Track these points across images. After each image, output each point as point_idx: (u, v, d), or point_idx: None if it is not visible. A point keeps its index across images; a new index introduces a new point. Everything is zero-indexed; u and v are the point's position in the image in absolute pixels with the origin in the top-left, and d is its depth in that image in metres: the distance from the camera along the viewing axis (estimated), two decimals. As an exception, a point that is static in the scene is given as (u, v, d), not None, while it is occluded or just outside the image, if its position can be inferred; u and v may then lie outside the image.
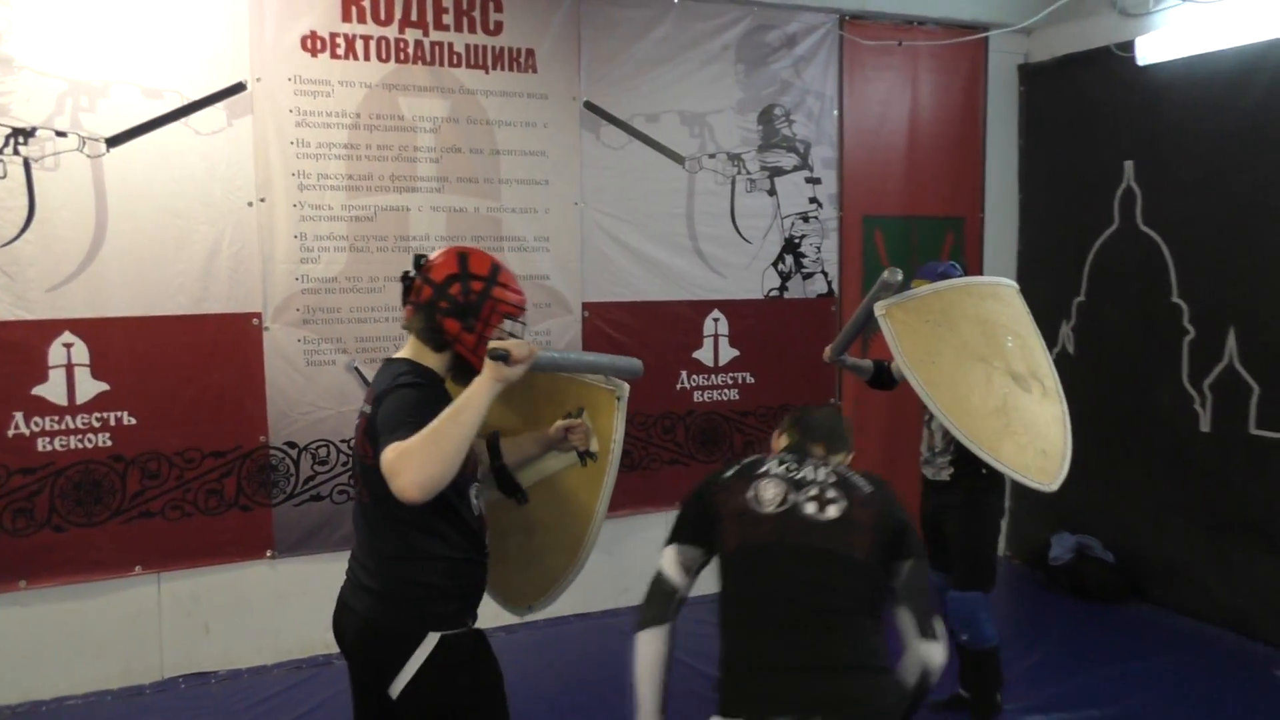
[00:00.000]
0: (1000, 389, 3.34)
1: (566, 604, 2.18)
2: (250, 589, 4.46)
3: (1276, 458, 4.55)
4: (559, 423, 2.54)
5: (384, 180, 4.54)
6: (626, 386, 2.53)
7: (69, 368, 4.10)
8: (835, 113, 5.41)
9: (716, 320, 5.22)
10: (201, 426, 4.31)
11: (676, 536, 2.24)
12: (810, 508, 2.12)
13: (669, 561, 2.21)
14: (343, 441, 4.54)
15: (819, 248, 5.43)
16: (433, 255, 2.37)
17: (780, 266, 5.36)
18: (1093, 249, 5.38)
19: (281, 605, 4.50)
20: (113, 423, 4.17)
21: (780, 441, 2.47)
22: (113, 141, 4.10)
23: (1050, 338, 5.56)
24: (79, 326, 4.10)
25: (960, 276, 3.77)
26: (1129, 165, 5.14)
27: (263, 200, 4.34)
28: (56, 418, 4.08)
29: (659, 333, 5.08)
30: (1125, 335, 5.24)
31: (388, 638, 2.22)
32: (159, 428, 4.24)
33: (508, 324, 2.34)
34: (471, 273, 2.28)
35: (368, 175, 4.50)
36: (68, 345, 4.09)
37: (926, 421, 3.74)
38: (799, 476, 2.20)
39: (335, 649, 4.50)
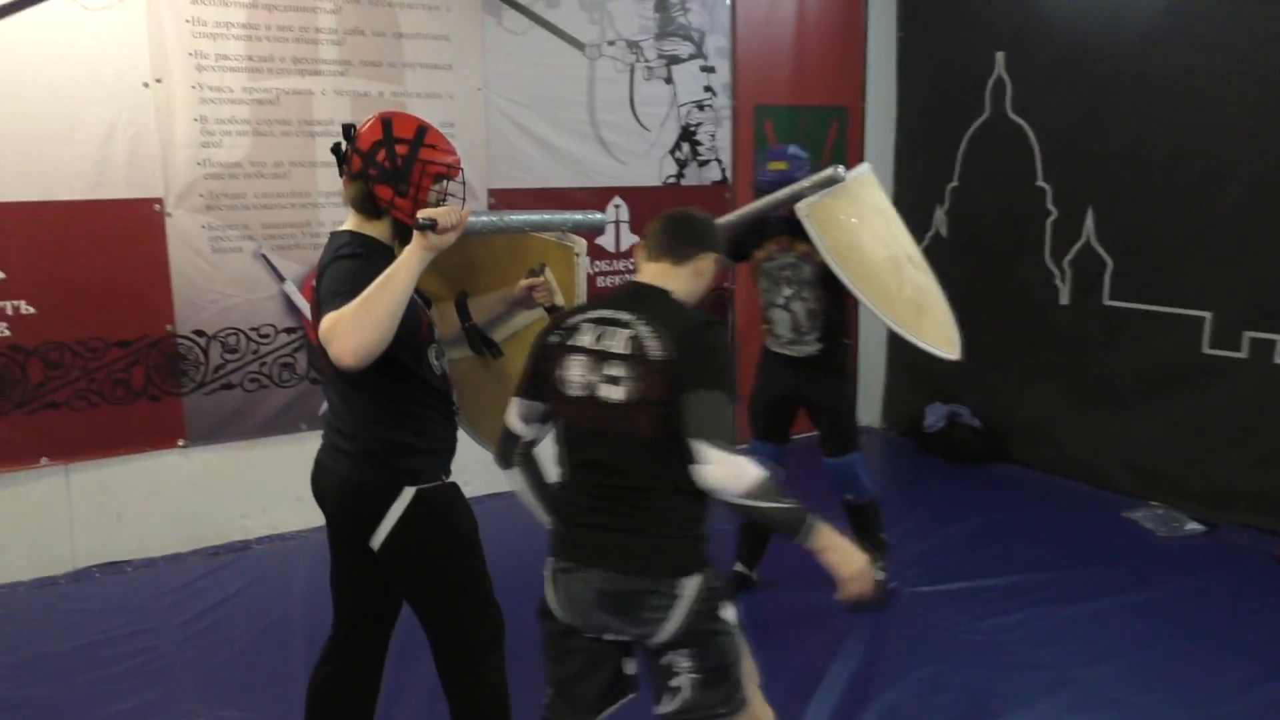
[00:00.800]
0: (905, 274, 3.60)
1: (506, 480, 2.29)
2: (162, 478, 4.44)
3: (1126, 325, 5.05)
4: (522, 281, 2.61)
5: (285, 63, 4.44)
6: (582, 242, 2.62)
7: (-40, 255, 3.94)
8: (728, 2, 5.54)
9: (618, 207, 5.36)
10: (105, 315, 4.22)
11: (518, 389, 2.24)
12: (603, 390, 2.05)
13: (511, 413, 2.24)
14: (252, 329, 4.51)
15: (714, 135, 5.61)
16: (360, 124, 2.35)
17: (677, 154, 5.52)
18: (965, 137, 5.74)
19: (195, 493, 4.50)
20: (10, 312, 4.04)
21: (638, 255, 2.31)
22: (-5, 14, 3.89)
23: (925, 222, 5.98)
24: (-32, 212, 3.93)
25: (800, 160, 3.85)
26: (1000, 56, 5.48)
27: (159, 81, 4.20)
28: (-50, 307, 3.94)
29: (562, 219, 5.17)
30: (994, 217, 5.64)
31: (366, 494, 2.31)
32: (60, 317, 4.13)
33: (448, 185, 2.36)
34: (396, 136, 2.28)
35: (268, 57, 4.40)
36: (-43, 231, 3.92)
37: (784, 304, 3.85)
38: (601, 347, 2.08)
39: (251, 535, 4.62)
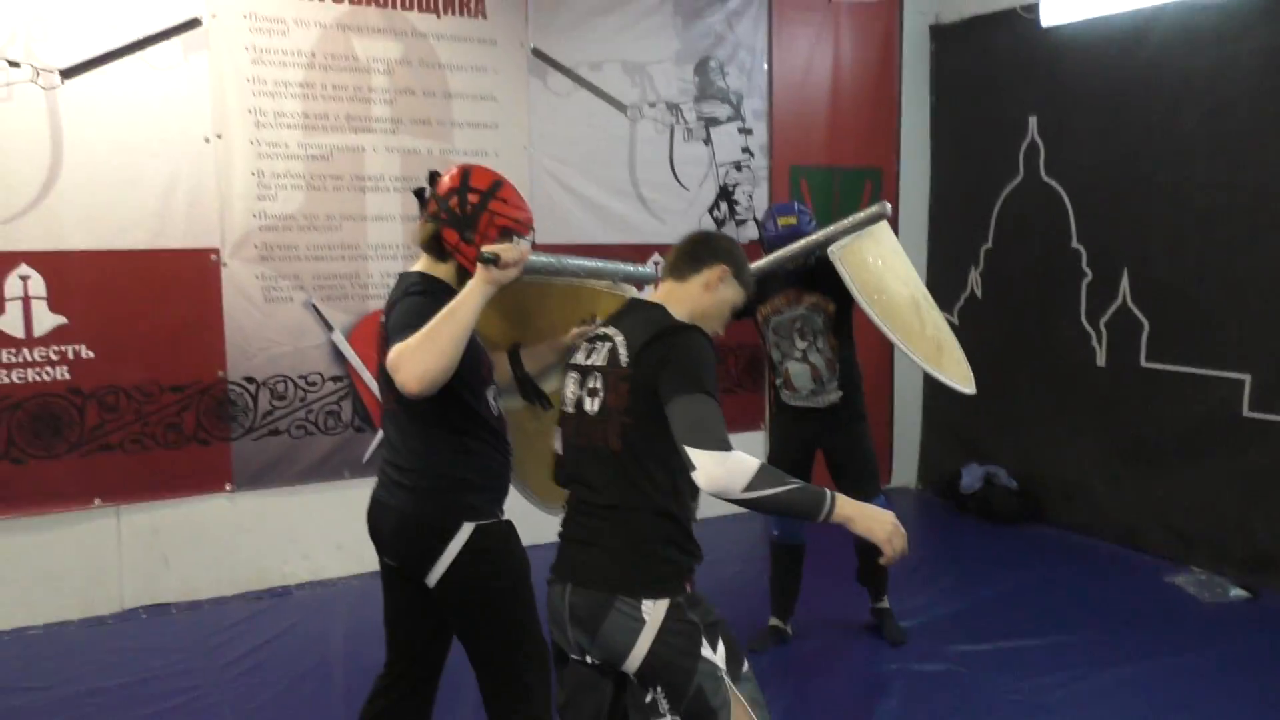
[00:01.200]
0: (925, 313, 3.68)
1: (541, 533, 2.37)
2: (209, 522, 4.52)
3: (1163, 386, 5.06)
4: (574, 330, 2.68)
5: (339, 120, 4.62)
6: (634, 290, 2.71)
7: (25, 300, 4.09)
8: (765, 66, 5.70)
9: (657, 264, 5.44)
10: (160, 361, 4.35)
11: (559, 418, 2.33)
12: (586, 403, 2.12)
13: (554, 436, 2.32)
14: (300, 377, 4.63)
15: (750, 195, 5.72)
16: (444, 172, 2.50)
17: (715, 213, 5.63)
18: (999, 199, 5.82)
19: (240, 537, 4.58)
20: (70, 356, 4.18)
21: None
22: (67, 73, 4.09)
23: (959, 283, 6.05)
24: (35, 259, 4.09)
25: (807, 214, 3.98)
26: (1033, 120, 5.58)
27: (219, 136, 4.38)
28: (14, 350, 4.07)
29: (602, 275, 5.29)
30: (1029, 279, 5.69)
31: (426, 529, 2.36)
32: (117, 361, 4.27)
33: (518, 241, 2.42)
34: (471, 186, 2.39)
35: (324, 114, 4.58)
36: (24, 278, 4.08)
37: (801, 357, 3.89)
38: (589, 362, 2.15)
39: (293, 581, 4.69)
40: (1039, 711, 3.48)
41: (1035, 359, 5.69)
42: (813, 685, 3.73)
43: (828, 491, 1.97)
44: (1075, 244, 5.42)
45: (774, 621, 4.05)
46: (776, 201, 5.60)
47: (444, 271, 2.41)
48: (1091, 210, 5.34)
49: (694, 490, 2.04)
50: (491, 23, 4.93)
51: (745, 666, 2.12)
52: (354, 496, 4.66)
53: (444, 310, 2.14)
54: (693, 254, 2.24)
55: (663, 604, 2.00)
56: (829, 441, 3.98)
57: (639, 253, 5.39)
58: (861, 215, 3.56)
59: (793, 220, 3.90)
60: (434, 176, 2.48)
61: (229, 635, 4.15)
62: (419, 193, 2.50)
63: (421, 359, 2.08)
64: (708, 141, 5.58)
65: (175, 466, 4.41)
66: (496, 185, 2.41)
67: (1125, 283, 5.19)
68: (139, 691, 3.61)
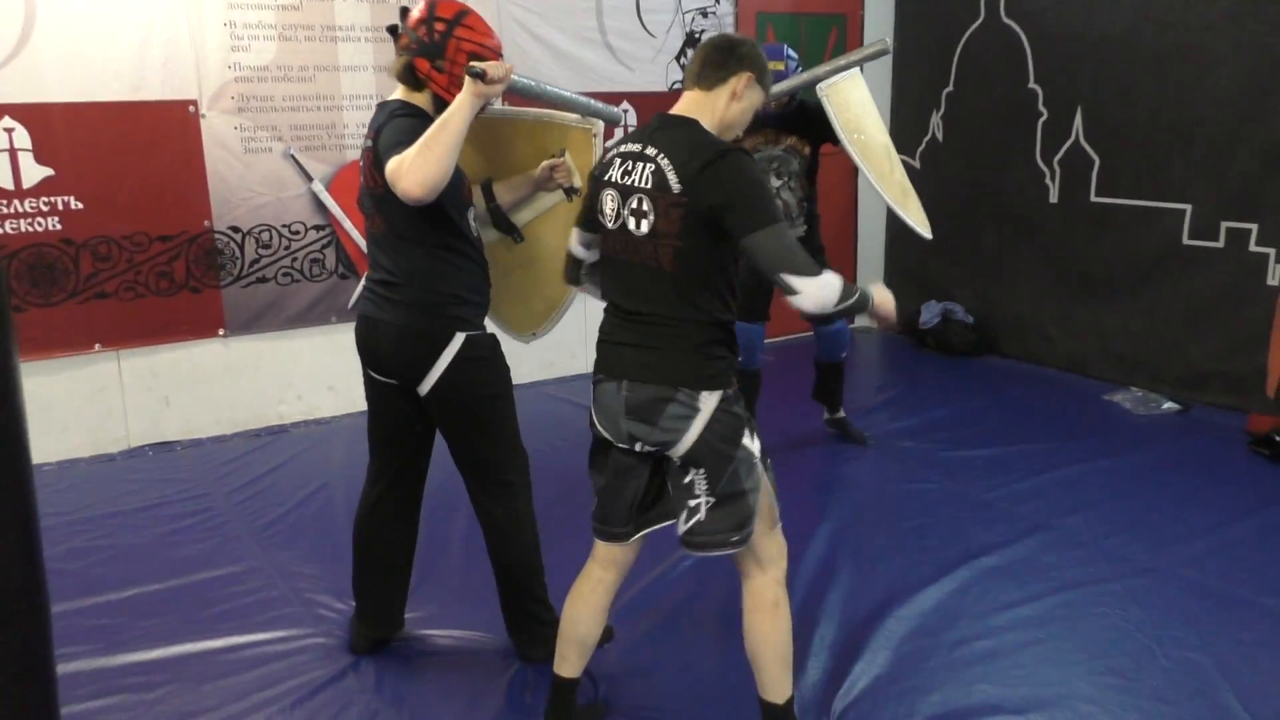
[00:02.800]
0: (894, 161, 3.93)
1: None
2: (205, 365, 4.76)
3: (1111, 220, 5.31)
4: (544, 162, 2.84)
5: (307, -32, 4.66)
6: (601, 123, 2.85)
7: (12, 152, 4.20)
8: (731, -90, 5.72)
9: (625, 111, 5.58)
10: (147, 211, 4.49)
11: (577, 220, 2.46)
12: (632, 223, 2.20)
13: (572, 240, 2.47)
14: (284, 226, 4.79)
15: (717, 43, 5.80)
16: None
17: (682, 60, 5.73)
18: (960, 42, 5.94)
19: (236, 380, 4.82)
20: (60, 207, 4.31)
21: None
22: (35, -78, 4.11)
23: (921, 127, 6.21)
24: (18, 111, 4.18)
25: (795, 60, 4.12)
26: (994, -39, 5.67)
27: (189, -14, 4.43)
28: (5, 201, 4.21)
29: (573, 123, 5.41)
30: (988, 121, 5.87)
31: (423, 338, 2.56)
32: (106, 212, 4.41)
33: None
34: (437, 15, 2.52)
35: (292, -35, 4.62)
36: (8, 130, 4.18)
37: (775, 193, 4.09)
38: (628, 182, 2.22)
39: (288, 420, 4.94)
40: (981, 508, 3.84)
41: (992, 199, 5.91)
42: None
43: (866, 289, 2.25)
44: (1032, 84, 5.58)
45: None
46: (764, 44, 5.70)
47: (421, 100, 2.55)
48: (1049, 51, 5.49)
49: (735, 298, 2.24)
50: None
51: (769, 460, 2.34)
52: (342, 340, 4.96)
53: (436, 123, 2.28)
54: (719, 62, 2.24)
55: (715, 396, 2.19)
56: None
57: (608, 99, 5.39)
58: (863, 51, 3.71)
59: (780, 66, 4.05)
60: (404, 12, 2.59)
61: (233, 467, 4.43)
62: (392, 29, 2.62)
63: (421, 165, 2.23)
64: (674, -13, 5.64)
65: (169, 313, 4.61)
66: (462, 13, 2.53)
67: (1079, 121, 5.38)
68: (157, 513, 3.90)
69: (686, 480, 2.24)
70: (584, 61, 5.42)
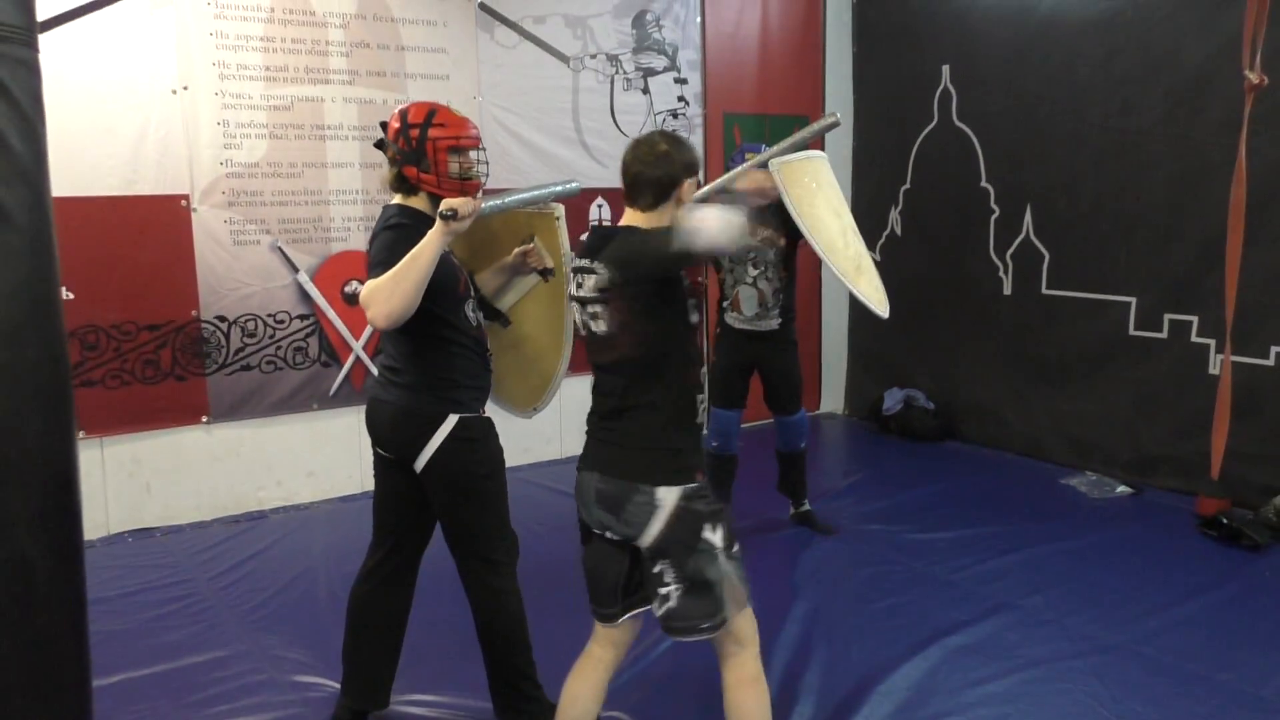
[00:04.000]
0: (851, 239, 4.13)
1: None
2: (187, 452, 4.83)
3: (1061, 311, 5.60)
4: (515, 250, 3.03)
5: (299, 72, 4.88)
6: (560, 207, 3.06)
7: (7, 244, 4.32)
8: (698, 19, 6.06)
9: (600, 206, 5.83)
10: (136, 301, 4.62)
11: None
12: (595, 326, 2.37)
13: None
14: (269, 315, 4.93)
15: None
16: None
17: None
18: (916, 143, 6.28)
19: (217, 466, 4.89)
20: (51, 297, 4.42)
21: None
22: (40, 29, 4.29)
23: (881, 221, 6.52)
24: (15, 205, 4.31)
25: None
26: (946, 68, 6.03)
27: (185, 88, 4.62)
28: (-2, 292, 4.31)
29: (549, 217, 5.63)
30: (943, 216, 6.18)
31: (417, 418, 2.72)
32: (96, 302, 4.52)
33: (474, 155, 2.76)
34: (410, 122, 2.70)
35: (284, 67, 4.84)
36: (5, 223, 4.30)
37: (752, 282, 4.36)
38: (583, 294, 2.40)
39: (268, 505, 5.00)
40: (948, 587, 3.99)
41: (950, 290, 6.19)
42: (749, 571, 4.18)
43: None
44: (984, 183, 5.91)
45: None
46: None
47: (417, 203, 2.73)
48: (998, 152, 5.83)
49: (698, 391, 2.39)
50: (440, -22, 5.21)
51: (735, 548, 2.42)
52: (323, 427, 5.09)
53: (407, 257, 2.45)
54: (655, 182, 2.37)
55: (675, 492, 2.30)
56: (766, 363, 4.47)
57: (583, 198, 5.69)
58: (816, 126, 3.82)
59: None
60: (384, 125, 2.78)
61: (214, 553, 4.47)
62: (379, 144, 2.80)
63: (387, 299, 2.43)
64: (646, 91, 5.94)
65: (154, 400, 4.70)
66: (431, 114, 2.70)
67: (1028, 218, 5.70)
68: (139, 599, 3.94)
69: (656, 570, 2.36)
70: (560, 159, 5.67)
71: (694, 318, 2.40)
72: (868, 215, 6.63)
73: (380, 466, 2.89)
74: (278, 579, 4.15)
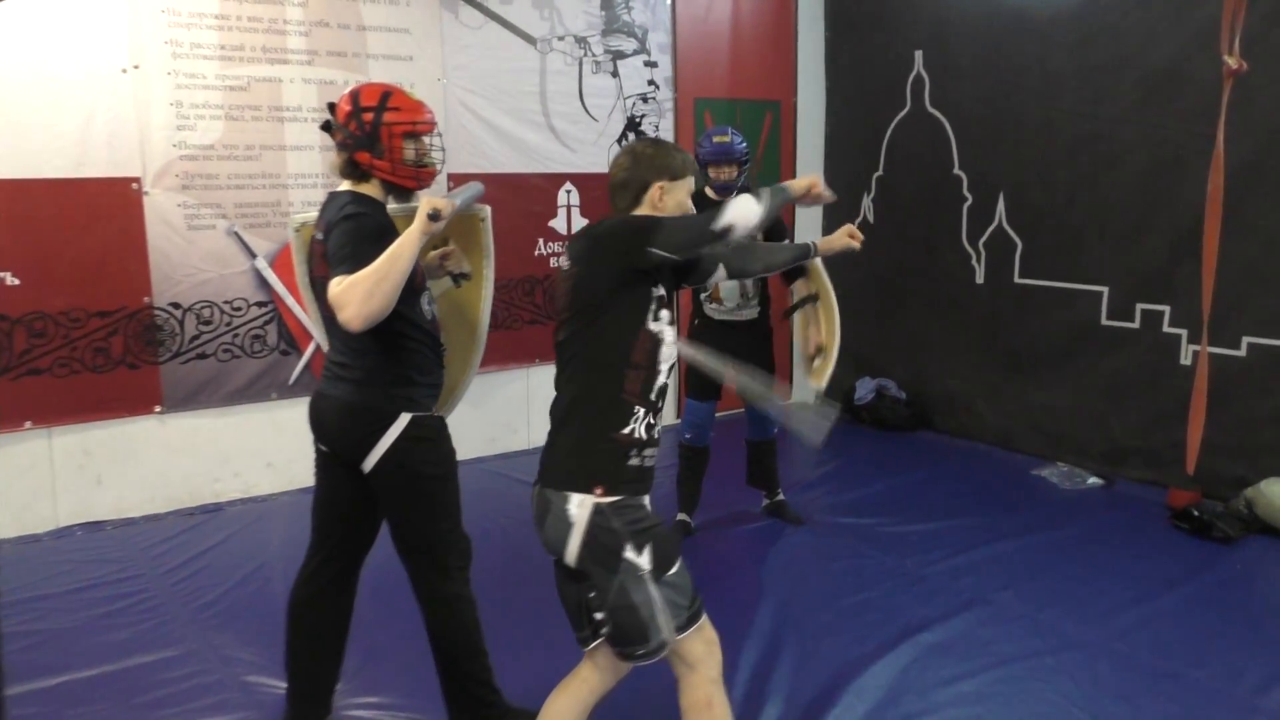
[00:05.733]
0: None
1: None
2: (140, 442, 4.68)
3: (1034, 301, 5.55)
4: (433, 252, 2.90)
5: (256, 51, 4.72)
6: (488, 209, 2.98)
7: (-52, 228, 4.16)
8: (669, 1, 5.94)
9: (569, 192, 5.72)
10: (85, 287, 4.45)
11: None
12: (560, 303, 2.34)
13: None
14: (225, 303, 4.78)
15: (657, 126, 5.99)
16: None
17: (623, 143, 5.89)
18: (889, 129, 6.21)
19: (172, 457, 4.75)
20: (-5, 283, 4.27)
21: None
22: (-19, 1, 4.12)
23: (854, 209, 6.44)
24: (-44, 187, 4.15)
25: (738, 136, 4.25)
26: (919, 54, 5.96)
27: (136, 67, 4.46)
28: (-61, 277, 4.15)
29: (518, 203, 5.52)
30: (916, 204, 6.11)
31: (367, 416, 2.58)
32: (43, 288, 4.36)
33: (429, 140, 2.64)
34: (363, 105, 2.56)
35: (240, 46, 4.68)
36: (-55, 205, 4.14)
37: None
38: (561, 268, 2.38)
39: (224, 498, 4.86)
40: (920, 581, 3.93)
41: (923, 279, 6.13)
42: (718, 565, 4.12)
43: (781, 185, 2.41)
44: (957, 170, 5.84)
45: (681, 516, 4.43)
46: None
47: (369, 189, 2.60)
48: (971, 139, 5.76)
49: (642, 387, 2.23)
50: (403, -44, 5.06)
51: (675, 569, 2.21)
52: (282, 417, 4.94)
53: (385, 255, 2.33)
54: (623, 185, 2.33)
55: (587, 504, 2.15)
56: (744, 352, 4.35)
57: (552, 181, 5.65)
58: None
59: (726, 139, 4.21)
60: (332, 107, 2.64)
61: (166, 547, 4.34)
62: (325, 126, 2.66)
63: (366, 299, 2.30)
64: (615, 74, 5.82)
65: (104, 389, 4.54)
66: (385, 97, 2.57)
67: (1001, 206, 5.64)
68: (86, 595, 3.80)
69: (589, 592, 2.24)
70: (527, 143, 5.55)
71: (655, 325, 2.25)
72: (840, 202, 6.54)
73: (322, 464, 2.74)
74: (232, 574, 4.03)
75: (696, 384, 4.38)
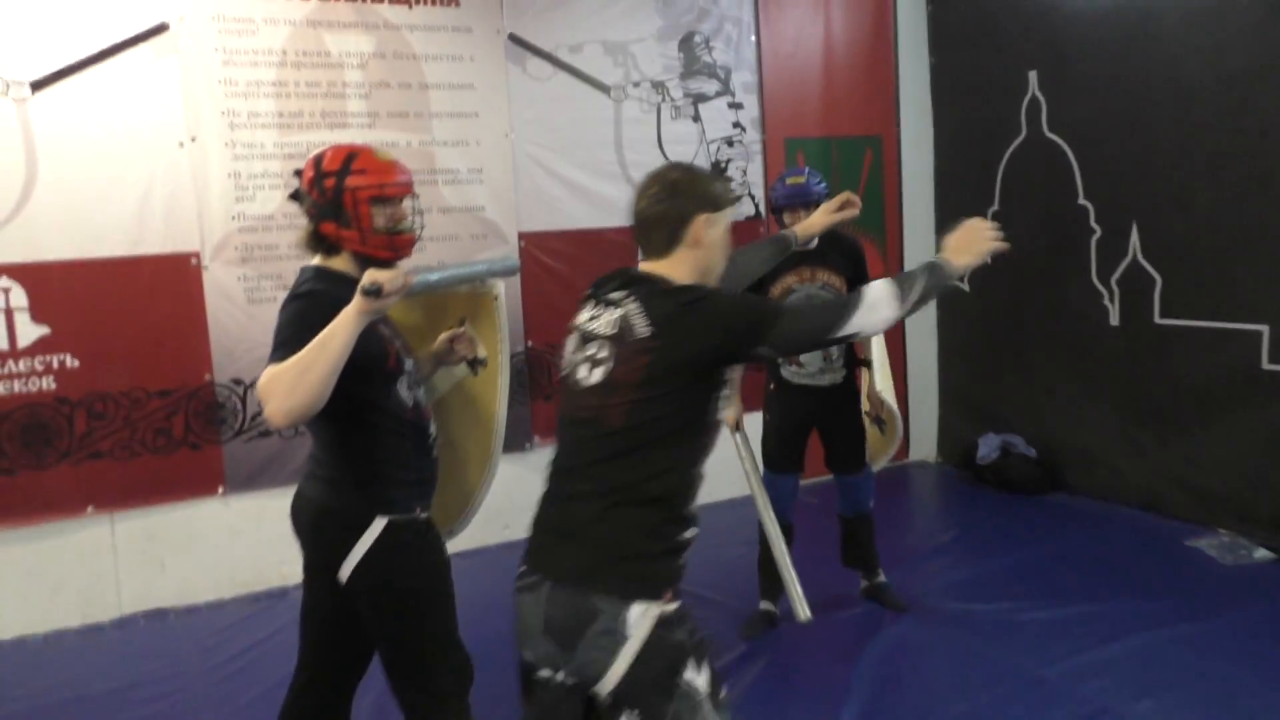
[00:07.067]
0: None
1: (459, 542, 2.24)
2: (204, 525, 4.53)
3: (1178, 345, 4.84)
4: (442, 335, 2.57)
5: (315, 117, 4.59)
6: (500, 284, 2.58)
7: (8, 312, 4.13)
8: (753, 38, 5.56)
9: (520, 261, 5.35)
10: (145, 366, 4.36)
11: None
12: (582, 371, 1.91)
13: None
14: (288, 376, 4.61)
15: (745, 170, 5.59)
16: None
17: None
18: (1003, 159, 5.62)
19: (235, 540, 4.58)
20: (55, 365, 4.20)
21: None
22: (37, 85, 4.11)
23: (968, 248, 5.83)
24: (15, 271, 4.12)
25: (817, 175, 3.88)
26: (1033, 75, 5.37)
27: (193, 140, 4.38)
28: (-1, 363, 4.12)
29: (594, 260, 5.19)
30: (1037, 239, 5.48)
31: (339, 520, 2.28)
32: (103, 369, 4.29)
33: (407, 204, 2.33)
34: (324, 171, 2.26)
35: (298, 112, 4.55)
36: (5, 290, 4.11)
37: None
38: (590, 327, 1.95)
39: (291, 581, 4.65)
40: (1036, 686, 3.33)
41: (1048, 322, 5.49)
42: (802, 660, 3.63)
43: (938, 261, 2.03)
44: (1082, 200, 5.21)
45: (764, 604, 3.95)
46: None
47: (339, 264, 2.30)
48: (1096, 164, 5.13)
49: (696, 485, 1.92)
50: (465, 10, 4.86)
51: (724, 693, 1.93)
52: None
53: (315, 341, 1.99)
54: (659, 220, 1.95)
55: (651, 613, 1.80)
56: (828, 420, 3.93)
57: (630, 235, 5.28)
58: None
59: (801, 180, 3.84)
60: (299, 174, 2.36)
61: (222, 638, 4.14)
62: (294, 196, 2.38)
63: (289, 393, 1.97)
64: (696, 118, 5.46)
65: (167, 471, 4.42)
66: (350, 159, 2.27)
67: (1135, 237, 4.98)
68: (125, 696, 3.61)
69: None
70: (603, 196, 5.23)
71: (718, 416, 1.93)
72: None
73: (306, 571, 2.44)
74: (275, 671, 3.68)
75: (777, 454, 3.92)
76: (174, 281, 4.39)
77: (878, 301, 1.90)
